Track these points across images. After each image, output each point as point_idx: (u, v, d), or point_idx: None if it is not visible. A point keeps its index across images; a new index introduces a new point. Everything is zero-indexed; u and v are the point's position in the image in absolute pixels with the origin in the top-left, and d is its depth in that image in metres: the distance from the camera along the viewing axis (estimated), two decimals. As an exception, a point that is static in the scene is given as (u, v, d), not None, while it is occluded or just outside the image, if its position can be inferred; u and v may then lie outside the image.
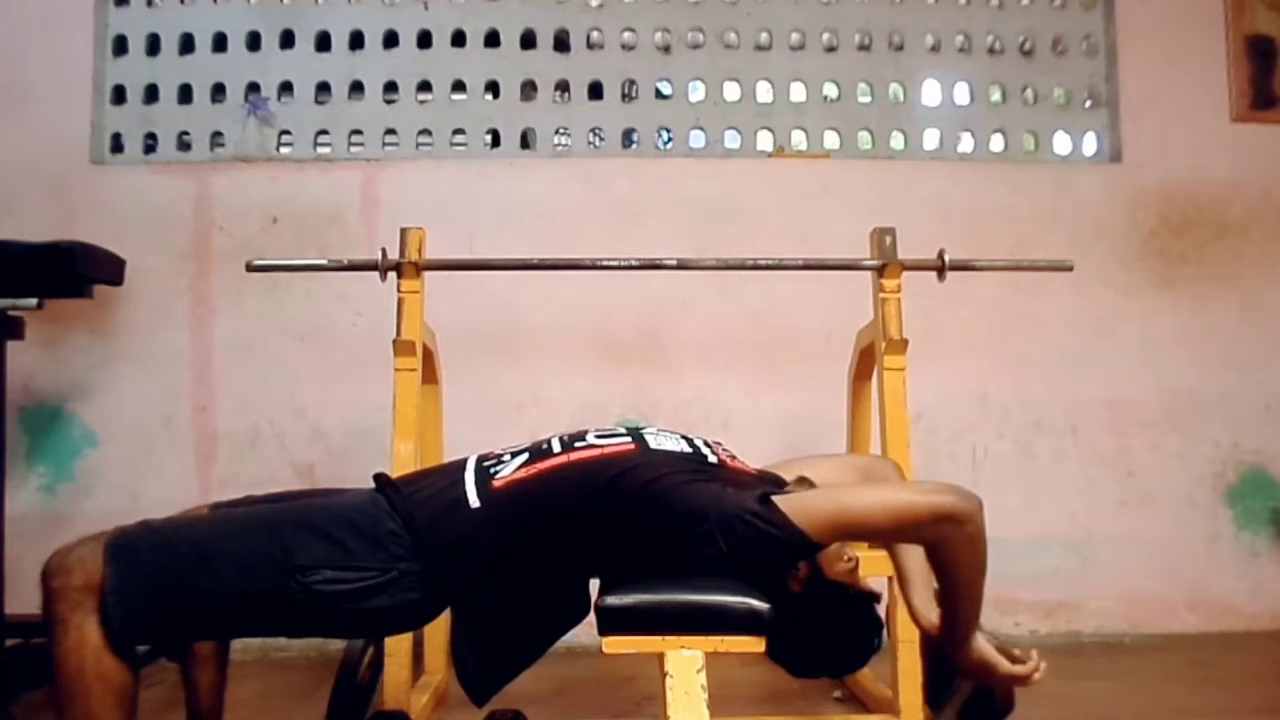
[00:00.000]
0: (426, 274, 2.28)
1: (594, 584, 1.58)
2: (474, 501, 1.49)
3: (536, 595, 1.56)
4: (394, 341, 2.20)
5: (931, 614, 1.61)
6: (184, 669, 1.67)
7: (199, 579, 1.39)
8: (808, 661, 1.55)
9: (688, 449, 1.58)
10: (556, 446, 1.56)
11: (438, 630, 2.48)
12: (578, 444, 1.56)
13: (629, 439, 1.57)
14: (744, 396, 3.15)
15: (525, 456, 1.55)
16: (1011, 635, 3.06)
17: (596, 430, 1.62)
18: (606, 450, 1.54)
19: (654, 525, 1.47)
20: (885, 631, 1.62)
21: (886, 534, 1.50)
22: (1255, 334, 3.26)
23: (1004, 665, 1.54)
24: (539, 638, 1.60)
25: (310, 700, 2.34)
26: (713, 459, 1.58)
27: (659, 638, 1.44)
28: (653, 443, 1.56)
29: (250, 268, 2.37)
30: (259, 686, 2.55)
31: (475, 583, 1.50)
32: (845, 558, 1.57)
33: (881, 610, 1.60)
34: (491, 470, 1.54)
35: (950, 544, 1.43)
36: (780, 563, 1.48)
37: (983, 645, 1.54)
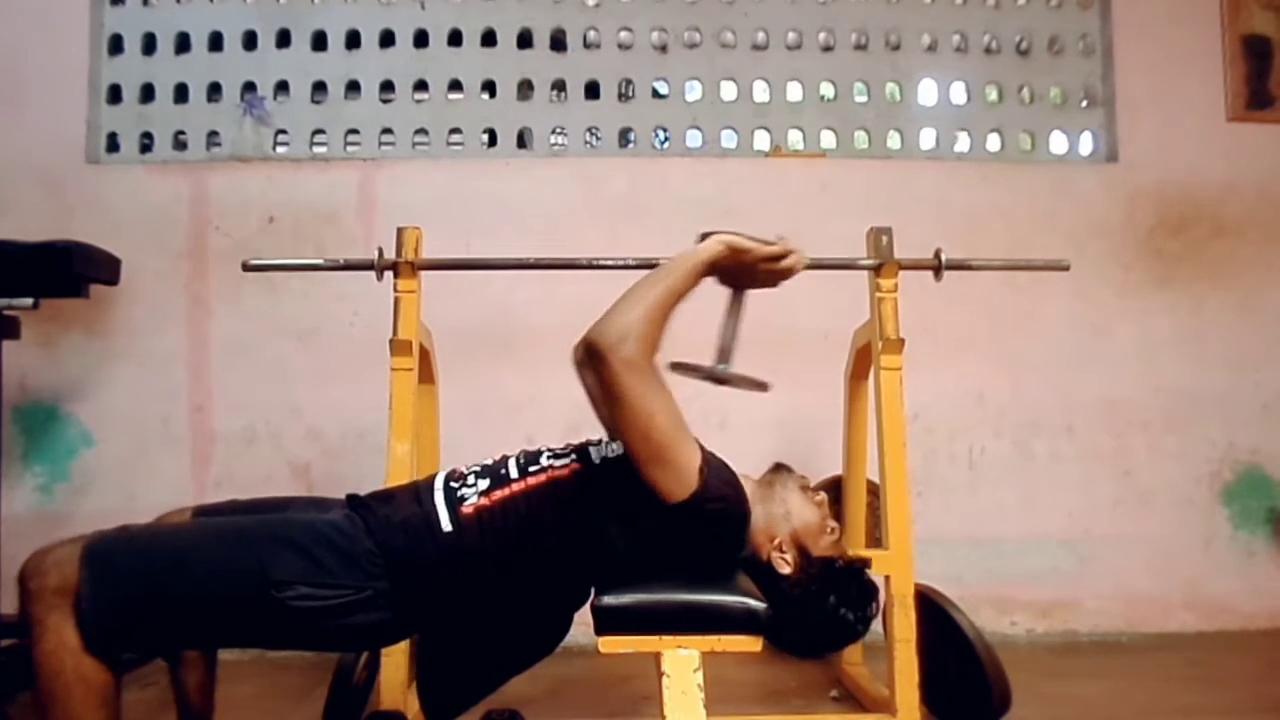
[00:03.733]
0: (423, 273, 2.27)
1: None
2: (446, 525, 1.51)
3: (507, 621, 1.57)
4: (391, 341, 2.19)
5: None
6: (172, 670, 1.67)
7: (174, 587, 1.39)
8: (811, 641, 1.56)
9: (622, 452, 1.58)
10: (514, 471, 1.58)
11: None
12: (531, 468, 1.59)
13: (574, 458, 1.59)
14: (741, 396, 3.13)
15: (486, 482, 1.56)
16: (1009, 634, 3.07)
17: (549, 450, 1.63)
18: (555, 474, 1.57)
19: (603, 544, 1.50)
20: (881, 596, 1.62)
21: (653, 403, 1.48)
22: (1252, 333, 3.27)
23: (754, 246, 1.60)
24: (505, 664, 1.61)
25: (307, 700, 2.34)
26: None
27: (656, 637, 1.44)
28: (595, 456, 1.59)
29: (246, 267, 2.36)
30: (255, 687, 2.55)
31: (444, 607, 1.51)
32: (828, 529, 1.58)
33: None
34: (459, 493, 1.55)
35: (637, 342, 1.48)
36: (707, 521, 1.51)
37: (717, 235, 1.59)
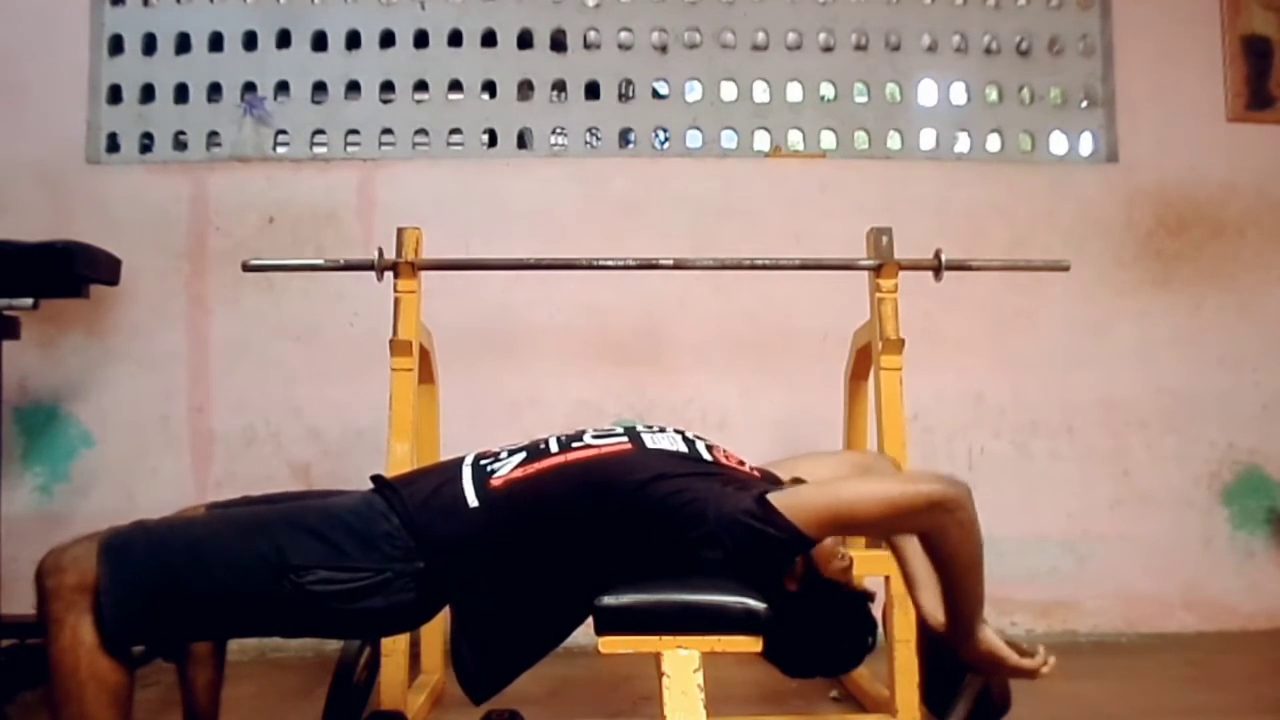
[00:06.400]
0: (423, 274, 2.28)
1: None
2: (472, 501, 1.49)
3: (537, 595, 1.56)
4: (390, 341, 2.19)
5: (939, 613, 1.61)
6: (180, 668, 1.67)
7: (192, 579, 1.39)
8: (803, 661, 1.55)
9: (684, 448, 1.58)
10: (554, 446, 1.57)
11: (434, 630, 2.48)
12: (574, 444, 1.57)
13: (625, 439, 1.57)
14: (741, 396, 3.15)
15: (523, 455, 1.55)
16: (1008, 634, 3.03)
17: (594, 430, 1.62)
18: (603, 450, 1.54)
19: (652, 525, 1.48)
20: (879, 630, 1.62)
21: (879, 525, 1.50)
22: (1251, 334, 3.27)
23: (1013, 658, 1.55)
24: (540, 639, 1.60)
25: (307, 700, 2.34)
26: (708, 457, 1.58)
27: (656, 637, 1.44)
28: (649, 442, 1.57)
29: (246, 267, 2.37)
30: (256, 686, 2.55)
31: (475, 582, 1.50)
32: (840, 556, 1.57)
33: (877, 610, 1.61)
34: (489, 469, 1.54)
35: (943, 532, 1.44)
36: (779, 561, 1.48)
37: (990, 638, 1.55)
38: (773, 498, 1.43)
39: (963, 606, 1.52)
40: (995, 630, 1.56)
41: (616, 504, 1.48)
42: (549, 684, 2.49)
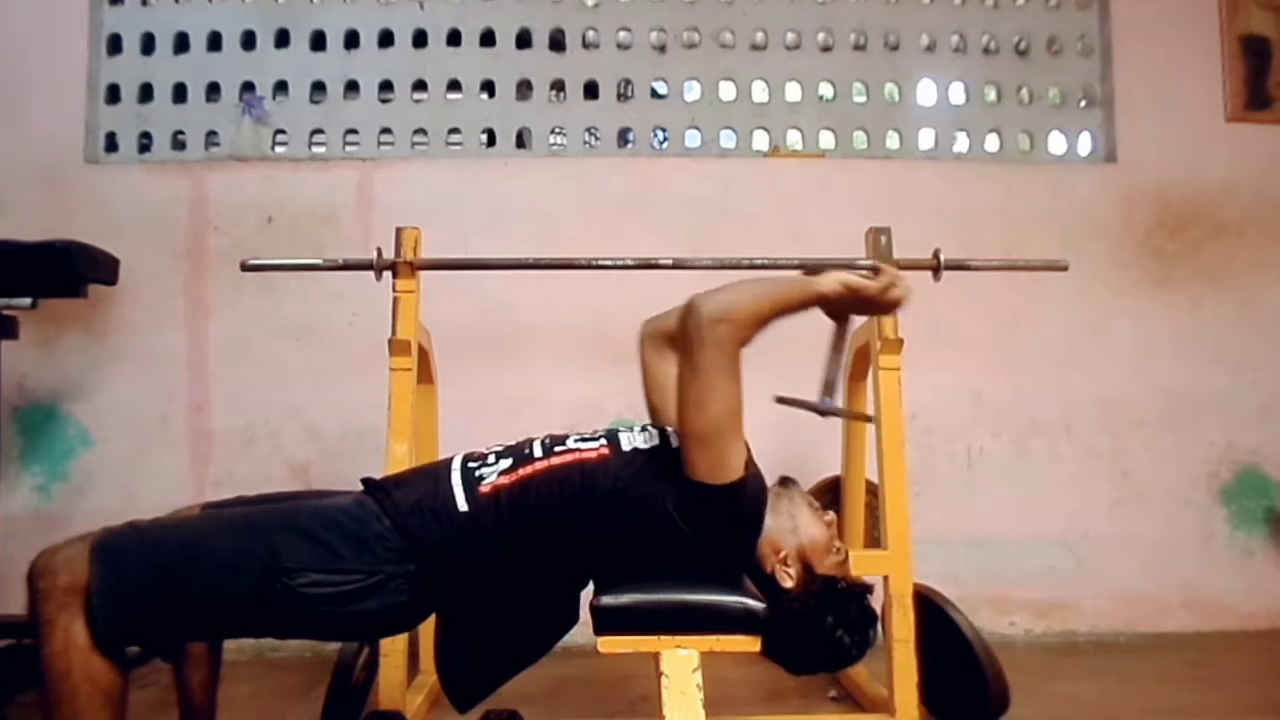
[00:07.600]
0: (422, 273, 2.27)
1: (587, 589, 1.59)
2: (462, 505, 1.50)
3: (524, 603, 1.57)
4: (389, 341, 2.19)
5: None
6: (176, 668, 1.67)
7: (185, 580, 1.39)
8: (804, 658, 1.55)
9: (657, 443, 1.61)
10: (538, 451, 1.58)
11: (433, 630, 2.48)
12: (557, 448, 1.59)
13: (604, 442, 1.59)
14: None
15: (509, 461, 1.56)
16: (1007, 634, 3.07)
17: (577, 434, 1.64)
18: (583, 454, 1.57)
19: (624, 525, 1.50)
20: (879, 624, 1.62)
21: (721, 380, 1.47)
22: (1250, 333, 3.27)
23: (866, 284, 1.60)
24: (526, 647, 1.61)
25: (306, 700, 2.34)
26: (676, 444, 1.60)
27: (654, 637, 1.45)
28: (625, 443, 1.60)
29: (245, 267, 2.36)
30: (254, 686, 2.55)
31: (463, 587, 1.50)
32: (834, 550, 1.58)
33: (876, 607, 1.61)
34: (477, 473, 1.55)
35: (731, 324, 1.46)
36: (724, 514, 1.51)
37: (828, 276, 1.60)
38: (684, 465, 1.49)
39: (791, 305, 1.58)
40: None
41: (591, 509, 1.51)
42: (547, 684, 2.49)
